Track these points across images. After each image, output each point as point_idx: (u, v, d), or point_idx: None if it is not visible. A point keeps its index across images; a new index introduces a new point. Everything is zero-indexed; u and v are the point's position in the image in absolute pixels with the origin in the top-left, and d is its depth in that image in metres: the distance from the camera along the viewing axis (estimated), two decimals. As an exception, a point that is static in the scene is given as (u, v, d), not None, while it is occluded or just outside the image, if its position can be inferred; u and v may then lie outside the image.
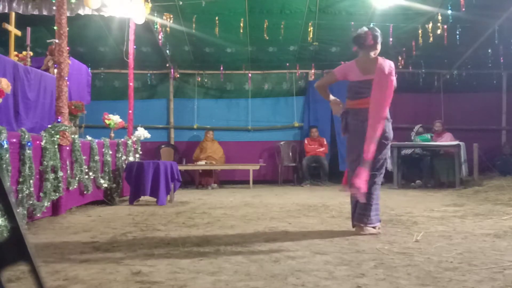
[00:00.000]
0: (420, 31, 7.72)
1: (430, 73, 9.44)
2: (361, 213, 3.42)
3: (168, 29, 7.58)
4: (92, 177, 5.05)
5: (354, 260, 2.50)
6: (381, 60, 3.59)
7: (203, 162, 8.41)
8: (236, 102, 9.55)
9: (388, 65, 3.57)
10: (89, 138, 5.25)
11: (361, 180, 3.28)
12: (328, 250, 2.77)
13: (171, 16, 7.37)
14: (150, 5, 6.58)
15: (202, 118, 9.45)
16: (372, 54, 3.62)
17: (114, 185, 5.67)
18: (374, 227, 3.42)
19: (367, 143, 3.40)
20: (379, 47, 3.69)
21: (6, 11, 5.71)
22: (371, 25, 3.77)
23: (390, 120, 3.63)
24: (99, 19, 7.26)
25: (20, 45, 5.75)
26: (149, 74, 9.44)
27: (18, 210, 3.35)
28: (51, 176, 4.07)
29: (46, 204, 3.96)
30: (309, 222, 4.01)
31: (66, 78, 4.57)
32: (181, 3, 7.10)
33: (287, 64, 9.33)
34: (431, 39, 7.61)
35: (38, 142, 3.98)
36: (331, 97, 3.74)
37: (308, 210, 4.83)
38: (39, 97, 5.10)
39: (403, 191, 7.12)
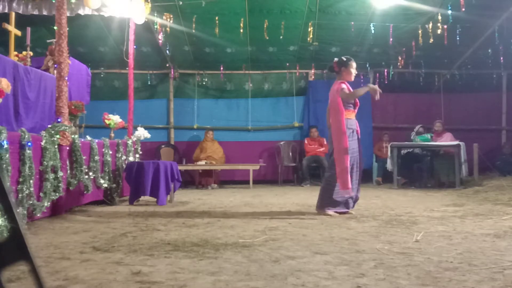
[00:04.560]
0: (420, 31, 7.72)
1: (430, 73, 9.44)
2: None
3: (168, 29, 7.58)
4: (92, 177, 5.05)
5: (354, 260, 2.49)
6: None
7: (203, 162, 8.41)
8: (236, 102, 9.56)
9: (333, 89, 4.44)
10: (89, 138, 5.25)
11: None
12: (328, 250, 2.77)
13: (171, 16, 7.37)
14: (150, 5, 6.58)
15: (202, 118, 9.45)
16: (339, 78, 4.49)
17: (114, 185, 5.67)
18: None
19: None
20: (340, 71, 4.50)
21: (6, 11, 5.70)
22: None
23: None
24: (99, 19, 7.26)
25: (20, 45, 5.75)
26: (149, 74, 9.44)
27: (18, 210, 3.35)
28: (51, 176, 4.07)
29: (46, 204, 3.96)
30: (309, 222, 4.01)
31: (66, 78, 4.57)
32: (181, 3, 7.10)
33: (287, 64, 9.33)
34: (431, 39, 7.60)
35: (38, 142, 3.98)
36: (365, 88, 4.40)
37: (308, 210, 4.83)
38: (39, 97, 5.10)
39: (403, 191, 7.13)
